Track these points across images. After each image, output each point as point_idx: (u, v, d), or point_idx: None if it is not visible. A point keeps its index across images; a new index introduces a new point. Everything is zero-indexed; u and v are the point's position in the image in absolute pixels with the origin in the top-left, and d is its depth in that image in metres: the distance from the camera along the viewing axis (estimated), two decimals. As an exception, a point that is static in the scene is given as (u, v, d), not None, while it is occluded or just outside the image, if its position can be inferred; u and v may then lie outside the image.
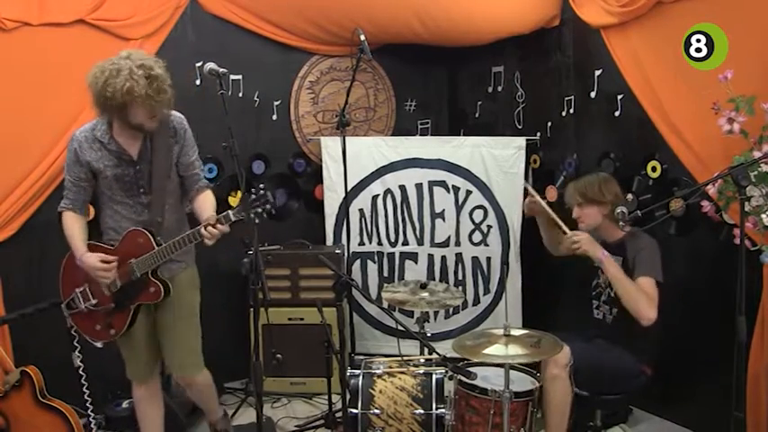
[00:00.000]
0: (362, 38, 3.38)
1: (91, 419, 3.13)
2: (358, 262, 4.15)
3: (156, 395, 2.86)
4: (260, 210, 2.34)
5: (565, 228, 2.95)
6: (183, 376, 2.79)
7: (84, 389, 3.07)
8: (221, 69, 2.38)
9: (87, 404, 3.02)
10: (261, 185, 2.38)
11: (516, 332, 2.56)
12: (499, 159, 4.04)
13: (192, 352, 2.74)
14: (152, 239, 2.54)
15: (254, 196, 2.35)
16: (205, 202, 2.66)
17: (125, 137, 2.54)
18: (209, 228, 2.41)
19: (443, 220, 4.13)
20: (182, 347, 2.71)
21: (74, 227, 2.59)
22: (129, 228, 2.58)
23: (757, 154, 2.44)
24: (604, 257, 2.78)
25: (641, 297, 2.67)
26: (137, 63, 2.36)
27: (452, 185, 4.10)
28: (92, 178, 2.57)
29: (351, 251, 3.91)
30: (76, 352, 3.08)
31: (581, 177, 3.15)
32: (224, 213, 2.42)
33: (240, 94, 3.93)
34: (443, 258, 4.15)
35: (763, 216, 2.49)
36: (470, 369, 2.68)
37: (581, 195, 2.96)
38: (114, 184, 2.56)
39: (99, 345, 2.69)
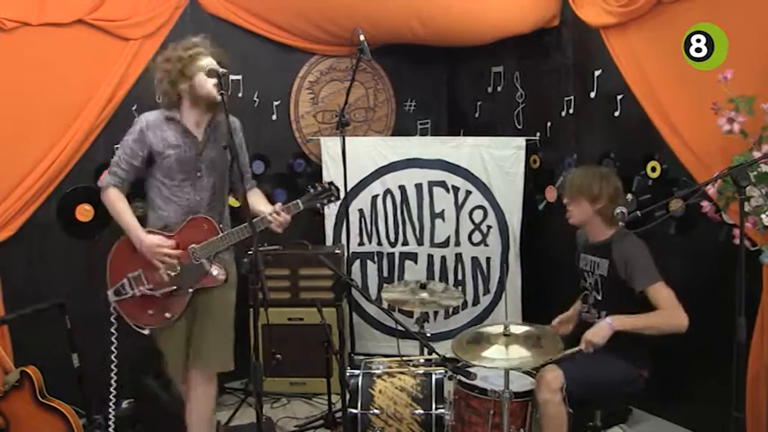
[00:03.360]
0: (362, 38, 3.37)
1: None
2: (358, 262, 4.16)
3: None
4: (325, 202, 2.61)
5: (573, 351, 2.64)
6: (209, 371, 2.77)
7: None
8: (221, 69, 2.38)
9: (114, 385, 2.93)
10: (330, 182, 2.62)
11: (516, 330, 2.56)
12: (499, 159, 4.04)
13: (228, 348, 2.75)
14: (216, 226, 2.63)
15: (320, 188, 2.60)
16: (258, 196, 2.85)
17: (191, 119, 2.66)
18: (275, 215, 2.58)
19: (443, 220, 4.13)
20: (220, 341, 2.72)
21: (122, 203, 2.67)
22: (177, 211, 2.65)
23: (757, 154, 2.44)
24: (613, 326, 2.59)
25: (666, 320, 2.57)
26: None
27: (452, 186, 4.10)
28: (145, 161, 2.65)
29: (350, 251, 3.91)
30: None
31: (582, 168, 3.03)
32: (293, 202, 2.61)
33: (240, 95, 3.93)
34: (443, 258, 4.15)
35: (763, 216, 2.48)
36: (470, 369, 2.67)
37: (578, 188, 2.81)
38: (175, 165, 2.63)
39: (146, 331, 2.68)
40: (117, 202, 2.67)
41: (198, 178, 2.67)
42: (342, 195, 2.62)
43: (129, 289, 2.64)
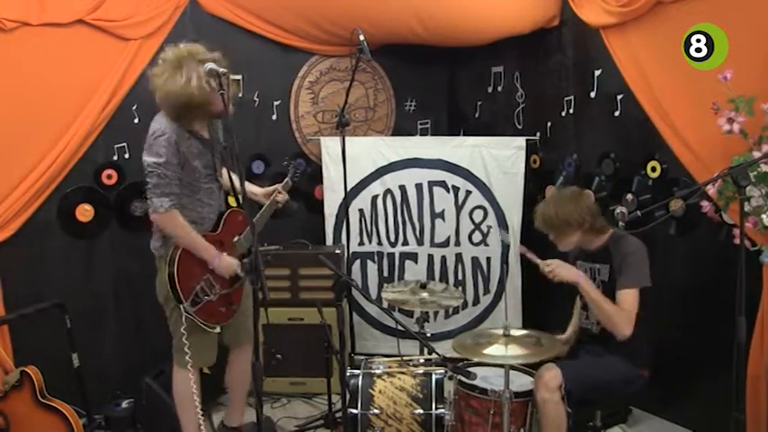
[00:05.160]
0: (362, 38, 3.37)
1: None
2: (358, 262, 4.15)
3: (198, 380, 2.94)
4: (298, 176, 3.09)
5: (536, 260, 2.69)
6: (245, 345, 2.98)
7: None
8: (221, 69, 2.38)
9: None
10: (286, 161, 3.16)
11: (516, 332, 2.56)
12: (499, 159, 4.04)
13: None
14: (247, 215, 2.79)
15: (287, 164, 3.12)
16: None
17: (200, 125, 2.78)
18: (279, 195, 2.98)
19: (443, 220, 4.13)
20: (247, 319, 2.75)
21: (189, 226, 2.68)
22: (210, 211, 2.79)
23: (757, 154, 2.45)
24: (581, 279, 2.63)
25: (619, 317, 2.56)
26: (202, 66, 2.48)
27: (452, 185, 4.10)
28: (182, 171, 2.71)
29: (351, 251, 3.91)
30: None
31: (549, 203, 2.81)
32: (283, 183, 3.04)
33: (240, 95, 3.92)
34: (443, 258, 4.15)
35: (763, 216, 2.49)
36: (470, 369, 2.67)
37: (553, 228, 2.73)
38: (201, 170, 2.74)
39: (217, 330, 2.81)
40: (184, 224, 2.65)
41: (217, 176, 2.83)
42: (303, 166, 3.14)
43: (204, 295, 2.69)
